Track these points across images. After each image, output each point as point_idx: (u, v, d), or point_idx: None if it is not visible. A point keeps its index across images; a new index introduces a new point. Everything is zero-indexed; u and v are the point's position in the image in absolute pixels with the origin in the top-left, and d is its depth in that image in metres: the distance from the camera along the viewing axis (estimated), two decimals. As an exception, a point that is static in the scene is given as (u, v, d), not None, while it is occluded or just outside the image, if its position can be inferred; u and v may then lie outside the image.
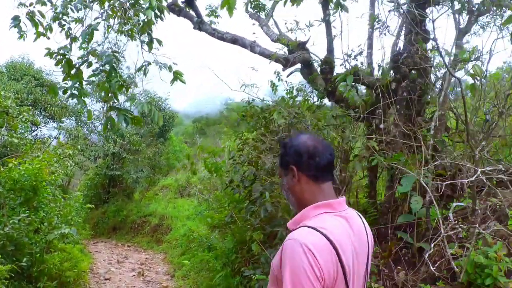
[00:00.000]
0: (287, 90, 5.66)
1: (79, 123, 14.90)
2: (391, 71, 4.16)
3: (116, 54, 3.61)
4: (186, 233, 10.26)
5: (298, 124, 3.72)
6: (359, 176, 4.58)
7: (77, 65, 3.66)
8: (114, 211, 15.74)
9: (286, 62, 5.06)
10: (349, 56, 4.47)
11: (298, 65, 5.24)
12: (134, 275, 8.30)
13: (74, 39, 3.80)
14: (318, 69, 4.95)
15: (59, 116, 13.82)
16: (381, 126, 3.84)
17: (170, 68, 3.50)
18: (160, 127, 16.11)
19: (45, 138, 13.30)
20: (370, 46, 4.75)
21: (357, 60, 4.52)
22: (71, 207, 8.57)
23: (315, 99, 5.40)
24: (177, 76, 3.50)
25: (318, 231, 1.19)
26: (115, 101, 3.56)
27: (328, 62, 4.86)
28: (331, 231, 1.20)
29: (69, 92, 3.52)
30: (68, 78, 3.66)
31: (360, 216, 1.40)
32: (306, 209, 1.30)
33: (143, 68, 3.55)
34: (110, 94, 3.66)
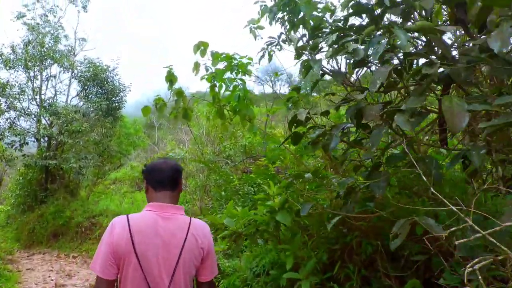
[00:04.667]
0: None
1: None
2: None
3: None
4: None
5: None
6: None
7: None
8: (54, 212, 12.62)
9: None
10: None
11: None
12: (78, 310, 5.36)
13: None
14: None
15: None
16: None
17: None
18: (107, 103, 12.81)
19: None
20: None
21: None
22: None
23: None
24: None
25: (127, 217, 1.76)
26: None
27: None
28: (135, 220, 1.76)
29: None
30: None
31: (190, 223, 1.83)
32: (145, 207, 1.86)
33: None
34: None
